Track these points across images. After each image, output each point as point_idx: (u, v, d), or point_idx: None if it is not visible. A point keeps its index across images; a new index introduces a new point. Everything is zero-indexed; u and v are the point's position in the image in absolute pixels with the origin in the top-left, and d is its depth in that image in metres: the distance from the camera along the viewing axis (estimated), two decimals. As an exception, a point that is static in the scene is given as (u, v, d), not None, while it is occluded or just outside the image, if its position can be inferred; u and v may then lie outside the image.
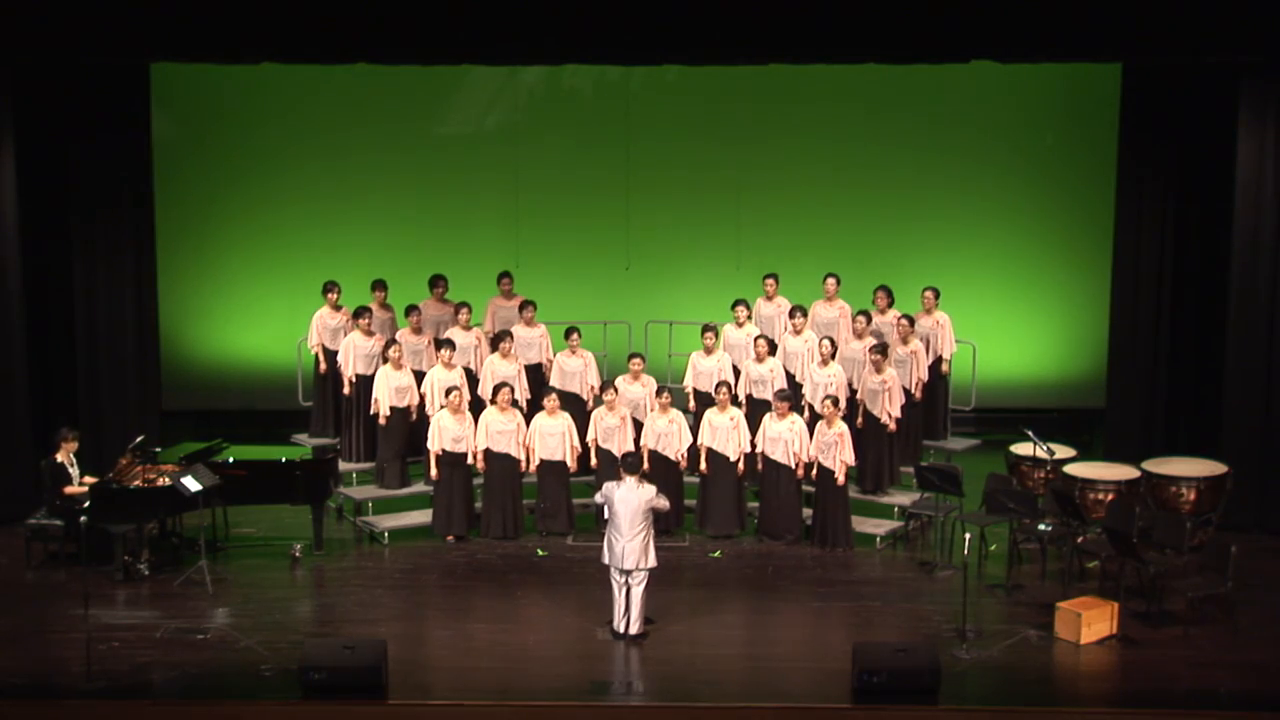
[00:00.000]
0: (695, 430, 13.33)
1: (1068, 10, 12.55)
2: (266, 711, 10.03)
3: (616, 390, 13.20)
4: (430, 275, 14.66)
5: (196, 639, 10.97)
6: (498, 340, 13.85)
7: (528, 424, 13.30)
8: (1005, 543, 12.39)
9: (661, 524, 12.45)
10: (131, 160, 14.36)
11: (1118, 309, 14.49)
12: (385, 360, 13.67)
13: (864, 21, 12.72)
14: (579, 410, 13.58)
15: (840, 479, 12.97)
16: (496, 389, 13.14)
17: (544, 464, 13.20)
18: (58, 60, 13.21)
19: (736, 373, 13.88)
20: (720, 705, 10.02)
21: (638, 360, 13.61)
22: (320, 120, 15.80)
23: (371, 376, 13.80)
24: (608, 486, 11.00)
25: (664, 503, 11.02)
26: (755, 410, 13.57)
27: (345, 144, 15.72)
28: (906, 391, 13.81)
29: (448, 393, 13.11)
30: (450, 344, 13.73)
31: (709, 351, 13.92)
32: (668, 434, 13.04)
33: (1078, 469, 12.97)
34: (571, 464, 13.23)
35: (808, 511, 13.24)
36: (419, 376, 13.80)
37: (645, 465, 12.56)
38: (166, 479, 12.42)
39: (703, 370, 13.88)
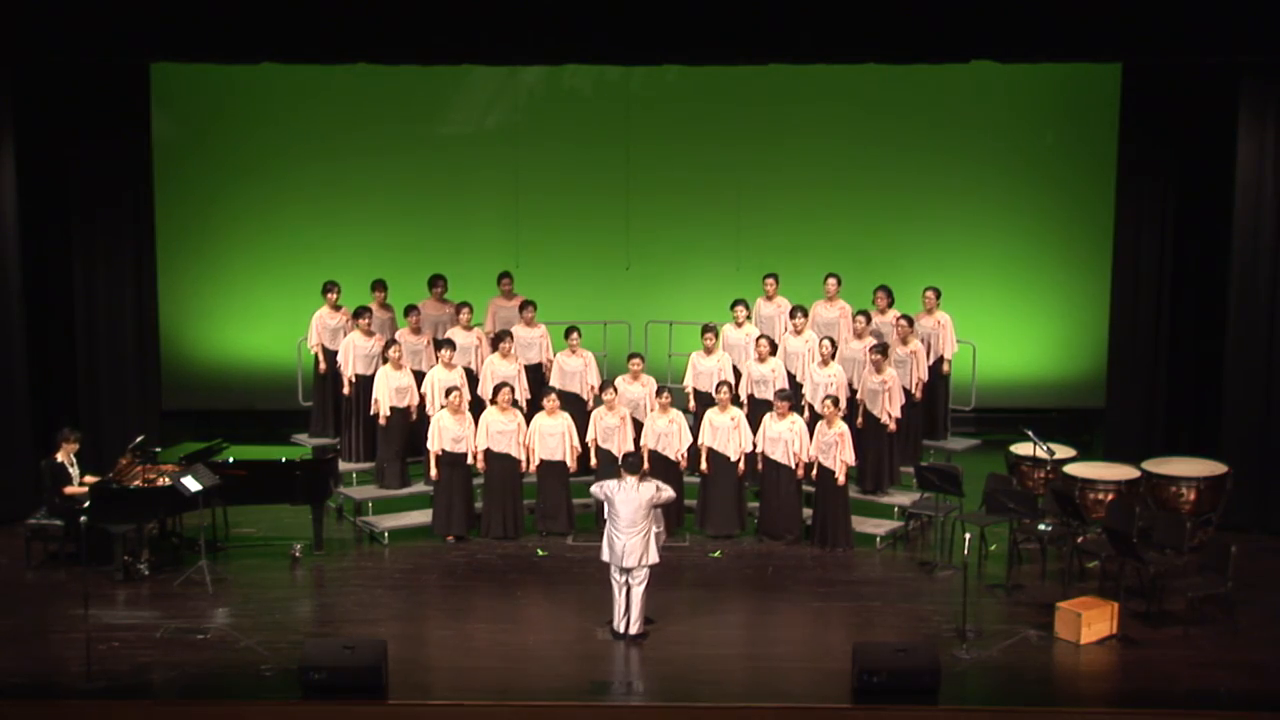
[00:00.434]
0: (695, 430, 13.33)
1: (1068, 10, 12.55)
2: (266, 711, 10.03)
3: (616, 390, 13.20)
4: (430, 275, 14.67)
5: (196, 639, 10.95)
6: (498, 340, 13.85)
7: (528, 424, 13.30)
8: (1005, 543, 12.37)
9: (669, 522, 12.47)
10: (131, 160, 14.35)
11: (1118, 309, 14.49)
12: (385, 360, 13.67)
13: (864, 21, 12.72)
14: (579, 410, 13.58)
15: (840, 479, 12.96)
16: (496, 389, 13.13)
17: (544, 464, 13.20)
18: (58, 60, 13.22)
19: (737, 373, 13.89)
20: (720, 705, 10.01)
21: (637, 360, 13.61)
22: (320, 120, 15.79)
23: (371, 376, 13.80)
24: (608, 485, 10.99)
25: (667, 494, 11.00)
26: (757, 410, 13.57)
27: (345, 144, 15.71)
28: (906, 391, 13.81)
29: (448, 393, 13.10)
30: (450, 344, 13.72)
31: (709, 352, 13.91)
32: (668, 434, 13.04)
33: (1078, 469, 12.96)
34: (571, 464, 13.23)
35: (808, 511, 13.23)
36: (419, 377, 13.79)
37: (645, 465, 12.56)
38: (166, 479, 12.41)
39: (703, 370, 13.88)
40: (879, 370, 13.61)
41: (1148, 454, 13.42)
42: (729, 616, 11.47)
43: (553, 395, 13.41)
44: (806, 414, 13.63)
